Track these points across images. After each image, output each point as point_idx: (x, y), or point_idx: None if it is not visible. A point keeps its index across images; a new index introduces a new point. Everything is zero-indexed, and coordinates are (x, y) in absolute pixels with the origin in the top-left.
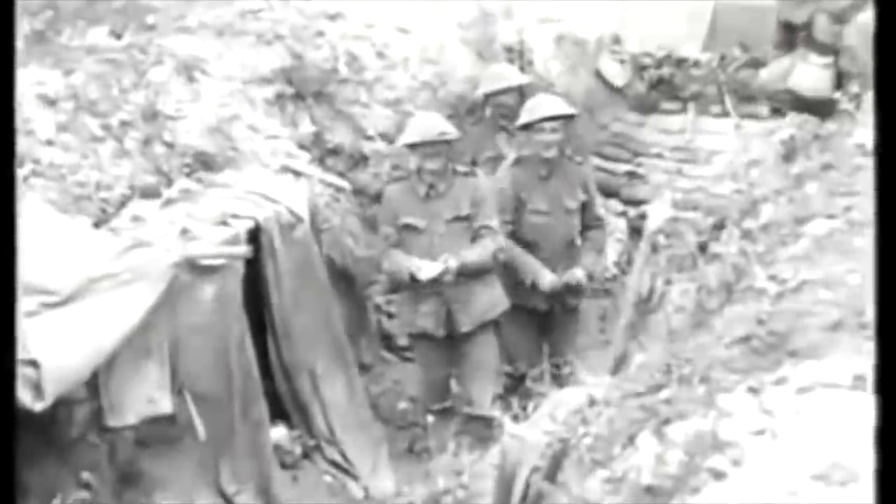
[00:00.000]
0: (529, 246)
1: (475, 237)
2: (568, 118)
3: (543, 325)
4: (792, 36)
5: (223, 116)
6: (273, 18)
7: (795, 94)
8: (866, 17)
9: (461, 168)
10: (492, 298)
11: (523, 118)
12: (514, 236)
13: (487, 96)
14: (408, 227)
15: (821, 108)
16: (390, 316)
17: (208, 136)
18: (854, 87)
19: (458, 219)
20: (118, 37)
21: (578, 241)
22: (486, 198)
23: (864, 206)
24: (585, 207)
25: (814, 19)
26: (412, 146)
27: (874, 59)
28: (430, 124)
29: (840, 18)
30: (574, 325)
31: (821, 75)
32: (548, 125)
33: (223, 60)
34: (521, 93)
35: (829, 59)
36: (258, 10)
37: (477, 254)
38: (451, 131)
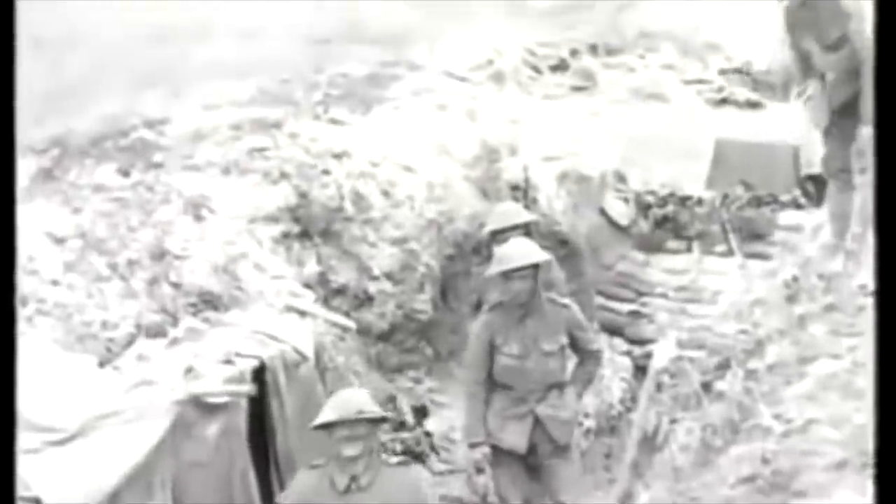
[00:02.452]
0: (504, 388)
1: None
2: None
3: (532, 466)
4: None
5: (229, 255)
6: (280, 157)
7: None
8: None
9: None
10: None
11: (493, 268)
12: (489, 379)
13: (493, 234)
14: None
15: None
16: (394, 452)
17: (214, 275)
18: (857, 227)
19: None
20: (126, 174)
21: (565, 380)
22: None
23: (869, 346)
24: (576, 346)
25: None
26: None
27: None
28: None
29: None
30: (566, 465)
31: None
32: (517, 274)
33: (230, 199)
34: (528, 230)
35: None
36: (265, 149)
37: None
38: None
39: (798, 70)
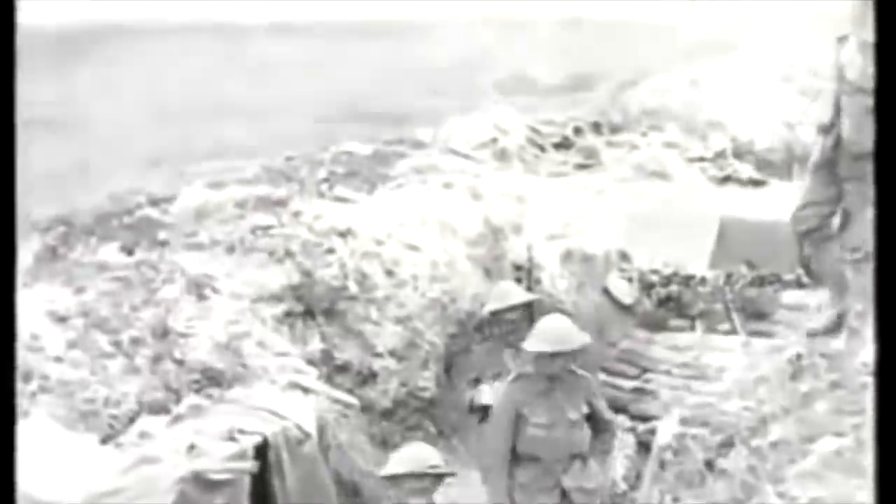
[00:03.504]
0: (531, 460)
1: None
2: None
3: None
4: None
5: (233, 333)
6: (283, 235)
7: None
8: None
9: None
10: None
11: (538, 345)
12: (514, 451)
13: (494, 314)
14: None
15: None
16: None
17: (217, 352)
18: (859, 305)
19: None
20: (130, 253)
21: (586, 450)
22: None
23: (873, 423)
24: (593, 416)
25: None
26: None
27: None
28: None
29: (824, 130)
30: None
31: None
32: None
33: (233, 277)
34: (530, 310)
35: None
36: (268, 227)
37: None
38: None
39: None
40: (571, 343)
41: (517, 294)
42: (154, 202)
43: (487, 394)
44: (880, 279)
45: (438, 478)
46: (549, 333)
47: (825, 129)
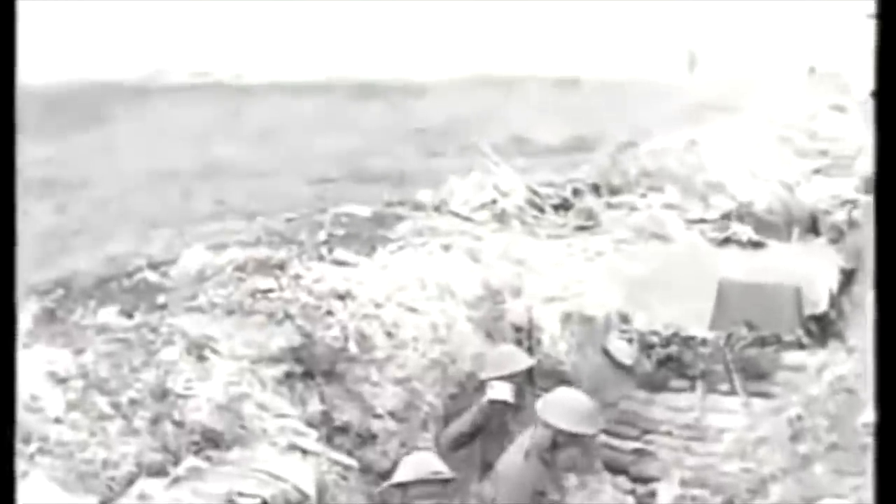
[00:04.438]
0: None
1: None
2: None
3: None
4: None
5: (232, 395)
6: (283, 298)
7: None
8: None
9: None
10: None
11: (557, 420)
12: None
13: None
14: None
15: None
16: None
17: (217, 414)
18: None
19: None
20: (129, 316)
21: None
22: None
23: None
24: None
25: None
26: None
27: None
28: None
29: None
30: None
31: None
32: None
33: (233, 340)
34: (530, 374)
35: None
36: (268, 290)
37: None
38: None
39: None
40: (594, 424)
41: (516, 360)
42: (153, 265)
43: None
44: (881, 285)
45: (443, 483)
46: (574, 410)
47: None
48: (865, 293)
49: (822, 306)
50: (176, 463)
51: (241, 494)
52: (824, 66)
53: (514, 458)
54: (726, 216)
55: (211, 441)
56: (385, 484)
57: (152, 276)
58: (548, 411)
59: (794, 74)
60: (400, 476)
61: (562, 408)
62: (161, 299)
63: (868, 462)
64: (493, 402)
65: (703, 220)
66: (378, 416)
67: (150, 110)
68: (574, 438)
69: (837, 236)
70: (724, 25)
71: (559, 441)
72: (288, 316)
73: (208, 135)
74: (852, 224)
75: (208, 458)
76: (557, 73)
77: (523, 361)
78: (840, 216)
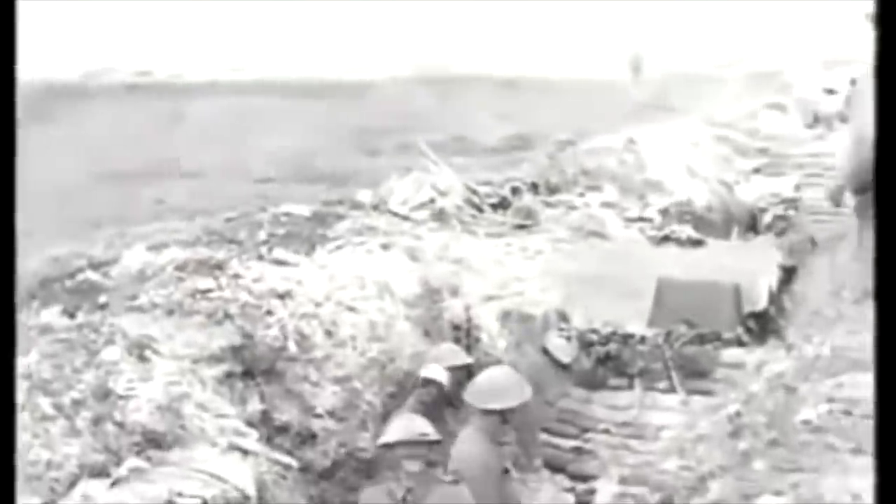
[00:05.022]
0: None
1: None
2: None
3: None
4: None
5: (173, 395)
6: (223, 297)
7: None
8: None
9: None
10: None
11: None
12: None
13: (426, 380)
14: None
15: None
16: None
17: (158, 414)
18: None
19: None
20: (72, 316)
21: None
22: None
23: (813, 482)
24: None
25: None
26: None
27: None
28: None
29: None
30: None
31: None
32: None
33: (174, 340)
34: (469, 371)
35: None
36: (208, 290)
37: None
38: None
39: None
40: (521, 395)
41: (454, 357)
42: (95, 265)
43: (436, 369)
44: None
45: (429, 445)
46: (498, 388)
47: None
48: (805, 290)
49: (762, 304)
50: (118, 464)
51: (181, 495)
52: (765, 65)
53: (468, 447)
54: (665, 215)
55: (152, 441)
56: (377, 444)
57: (94, 277)
58: (475, 398)
59: (732, 74)
60: (387, 437)
61: (487, 390)
62: (103, 299)
63: (808, 459)
64: (427, 382)
65: (641, 219)
66: (318, 416)
67: (91, 110)
68: (509, 414)
69: (779, 233)
70: (664, 25)
71: (498, 420)
72: (228, 316)
73: (149, 134)
74: (792, 222)
75: (149, 459)
76: (497, 72)
77: (462, 358)
78: (780, 214)
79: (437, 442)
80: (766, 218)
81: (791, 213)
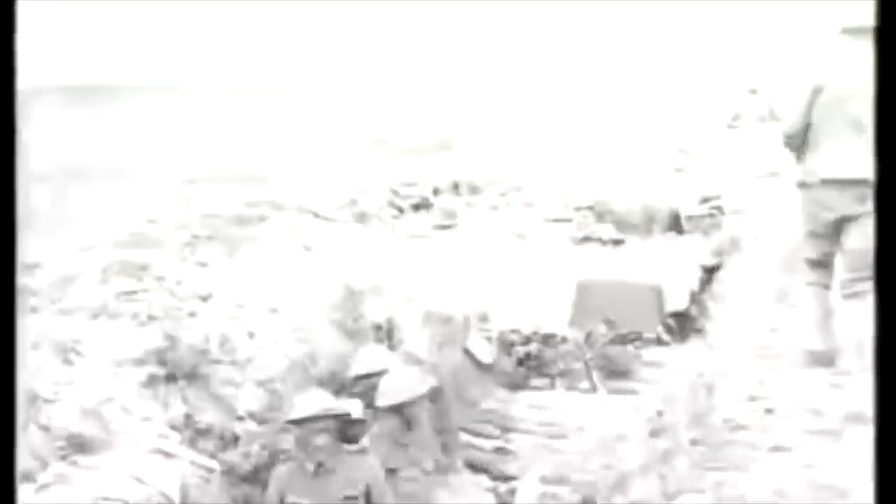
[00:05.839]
0: None
1: None
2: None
3: None
4: None
5: (98, 398)
6: (147, 300)
7: None
8: None
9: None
10: None
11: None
12: None
13: (357, 378)
14: None
15: None
16: None
17: (83, 418)
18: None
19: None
20: None
21: None
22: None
23: (734, 480)
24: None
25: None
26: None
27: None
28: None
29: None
30: None
31: None
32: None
33: (98, 342)
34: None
35: None
36: (133, 292)
37: None
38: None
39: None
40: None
41: (379, 359)
42: (21, 268)
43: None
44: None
45: (336, 418)
46: (398, 385)
47: None
48: (726, 290)
49: (683, 303)
50: (44, 468)
51: (106, 500)
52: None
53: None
54: (586, 215)
55: (77, 446)
56: (285, 420)
57: (21, 279)
58: (379, 399)
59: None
60: (294, 414)
61: (383, 389)
62: (31, 302)
63: (730, 457)
64: (357, 378)
65: (562, 219)
66: (240, 418)
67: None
68: (412, 406)
69: (701, 234)
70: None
71: (398, 421)
72: (151, 318)
73: (75, 136)
74: (714, 222)
75: (74, 464)
76: (419, 74)
77: (385, 361)
78: (702, 213)
79: (344, 415)
80: (688, 217)
81: (714, 212)
